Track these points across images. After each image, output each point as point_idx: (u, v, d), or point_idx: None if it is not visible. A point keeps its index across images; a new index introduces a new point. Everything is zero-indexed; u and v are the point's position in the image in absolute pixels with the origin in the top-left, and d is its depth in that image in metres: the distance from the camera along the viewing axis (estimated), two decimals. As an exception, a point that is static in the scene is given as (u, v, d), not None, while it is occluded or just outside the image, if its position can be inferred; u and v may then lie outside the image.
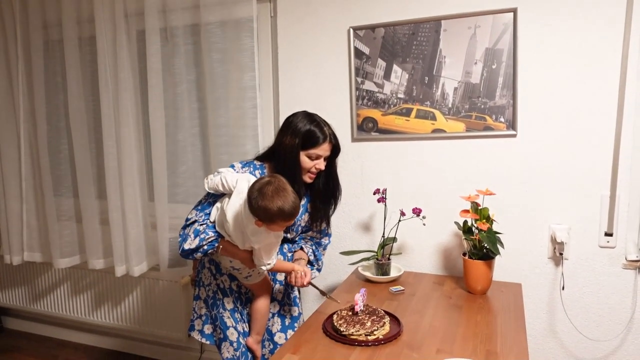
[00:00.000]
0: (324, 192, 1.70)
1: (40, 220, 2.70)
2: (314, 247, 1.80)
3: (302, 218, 1.71)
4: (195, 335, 1.73)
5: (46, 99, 2.54)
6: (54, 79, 2.54)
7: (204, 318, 1.72)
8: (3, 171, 2.69)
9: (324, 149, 1.59)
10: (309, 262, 1.78)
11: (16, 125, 2.64)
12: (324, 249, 1.85)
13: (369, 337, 1.37)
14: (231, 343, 1.63)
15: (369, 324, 1.40)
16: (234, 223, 1.47)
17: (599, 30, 1.70)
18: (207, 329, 1.71)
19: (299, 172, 1.59)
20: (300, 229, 1.74)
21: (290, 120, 1.61)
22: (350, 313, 1.48)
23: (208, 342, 1.71)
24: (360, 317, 1.44)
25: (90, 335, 2.95)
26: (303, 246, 1.78)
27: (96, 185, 2.52)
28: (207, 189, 1.57)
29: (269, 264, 1.51)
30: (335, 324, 1.43)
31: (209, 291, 1.70)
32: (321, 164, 1.60)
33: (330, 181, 1.70)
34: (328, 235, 1.85)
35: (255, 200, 1.37)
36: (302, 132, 1.56)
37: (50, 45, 2.53)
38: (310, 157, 1.58)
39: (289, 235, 1.72)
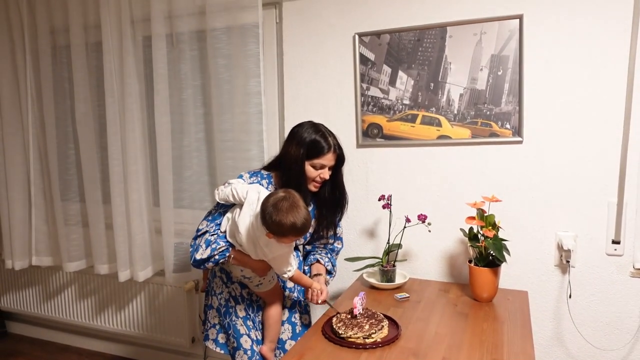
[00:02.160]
0: (330, 201, 1.73)
1: (49, 225, 2.71)
2: (329, 256, 1.81)
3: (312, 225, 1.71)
4: (210, 344, 1.72)
5: (55, 104, 2.56)
6: (61, 84, 2.56)
7: (217, 327, 1.72)
8: (7, 176, 2.70)
9: (328, 159, 1.62)
10: (328, 272, 1.79)
11: (22, 130, 2.66)
12: (337, 253, 1.87)
13: (367, 340, 1.38)
14: (245, 351, 1.63)
15: (367, 327, 1.41)
16: (246, 234, 1.50)
17: (606, 37, 1.70)
18: (221, 338, 1.71)
19: (304, 181, 1.62)
20: (308, 235, 1.74)
21: (295, 131, 1.64)
22: (349, 316, 1.49)
23: (222, 352, 1.70)
24: (359, 320, 1.45)
25: (93, 340, 2.95)
26: (319, 258, 1.79)
27: (102, 190, 2.53)
28: (217, 200, 1.59)
29: (289, 271, 1.52)
30: (334, 326, 1.45)
31: (221, 299, 1.70)
32: (325, 174, 1.63)
33: (336, 190, 1.72)
34: (340, 239, 1.87)
35: (270, 215, 1.41)
36: (307, 142, 1.59)
37: (58, 51, 2.54)
38: (314, 167, 1.61)
39: (297, 242, 1.72)
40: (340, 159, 1.67)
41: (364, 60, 2.02)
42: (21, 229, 2.73)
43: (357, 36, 2.01)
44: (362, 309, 1.51)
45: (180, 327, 2.54)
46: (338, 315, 1.51)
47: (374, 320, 1.45)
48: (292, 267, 1.53)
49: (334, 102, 2.11)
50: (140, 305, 2.65)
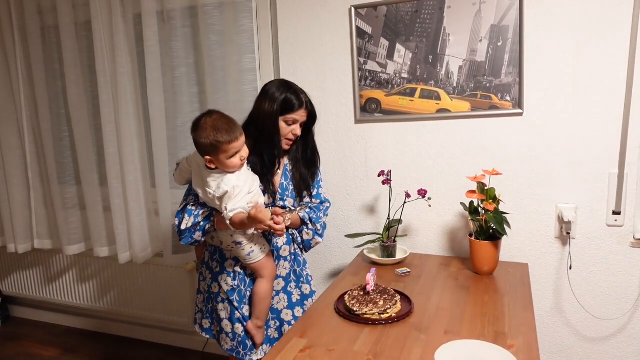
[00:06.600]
0: (303, 160, 1.74)
1: (48, 208, 2.70)
2: (308, 211, 1.72)
3: (290, 183, 1.70)
4: (197, 329, 1.79)
5: (46, 86, 2.51)
6: (52, 65, 2.51)
7: (203, 312, 1.76)
8: (4, 159, 2.67)
9: (300, 115, 1.64)
10: (303, 222, 1.71)
11: (17, 113, 2.62)
12: (324, 212, 1.76)
13: (383, 316, 1.38)
14: (227, 334, 1.67)
15: (381, 302, 1.42)
16: (198, 182, 1.52)
17: (607, 5, 1.65)
18: (205, 323, 1.75)
19: (279, 137, 1.63)
20: (294, 195, 1.71)
21: (267, 88, 1.65)
22: (362, 293, 1.49)
23: (208, 336, 1.75)
24: (372, 297, 1.46)
25: (98, 321, 2.97)
26: (296, 211, 1.69)
27: (98, 173, 2.51)
28: (176, 184, 1.70)
29: (227, 210, 1.40)
30: (348, 304, 1.45)
31: (204, 285, 1.74)
32: (297, 130, 1.65)
33: (308, 149, 1.75)
34: (327, 200, 1.80)
35: (197, 135, 1.42)
36: (280, 99, 1.60)
37: (47, 32, 2.48)
38: (287, 123, 1.63)
39: (286, 203, 1.68)
40: (311, 116, 1.69)
41: (360, 33, 1.98)
42: (22, 212, 2.72)
43: (353, 9, 1.96)
44: (374, 285, 1.51)
45: (182, 307, 2.56)
46: (350, 292, 1.51)
47: (387, 296, 1.46)
48: (234, 206, 1.40)
49: (331, 77, 2.07)
50: (143, 287, 2.66)
